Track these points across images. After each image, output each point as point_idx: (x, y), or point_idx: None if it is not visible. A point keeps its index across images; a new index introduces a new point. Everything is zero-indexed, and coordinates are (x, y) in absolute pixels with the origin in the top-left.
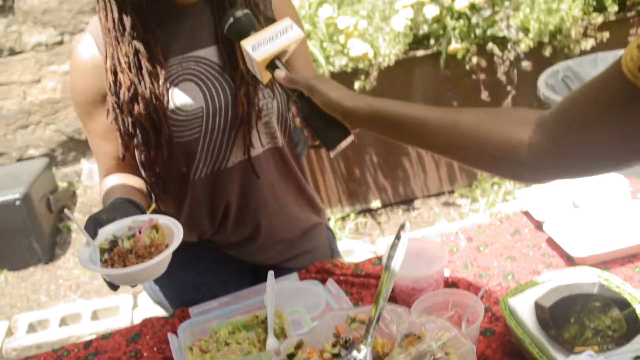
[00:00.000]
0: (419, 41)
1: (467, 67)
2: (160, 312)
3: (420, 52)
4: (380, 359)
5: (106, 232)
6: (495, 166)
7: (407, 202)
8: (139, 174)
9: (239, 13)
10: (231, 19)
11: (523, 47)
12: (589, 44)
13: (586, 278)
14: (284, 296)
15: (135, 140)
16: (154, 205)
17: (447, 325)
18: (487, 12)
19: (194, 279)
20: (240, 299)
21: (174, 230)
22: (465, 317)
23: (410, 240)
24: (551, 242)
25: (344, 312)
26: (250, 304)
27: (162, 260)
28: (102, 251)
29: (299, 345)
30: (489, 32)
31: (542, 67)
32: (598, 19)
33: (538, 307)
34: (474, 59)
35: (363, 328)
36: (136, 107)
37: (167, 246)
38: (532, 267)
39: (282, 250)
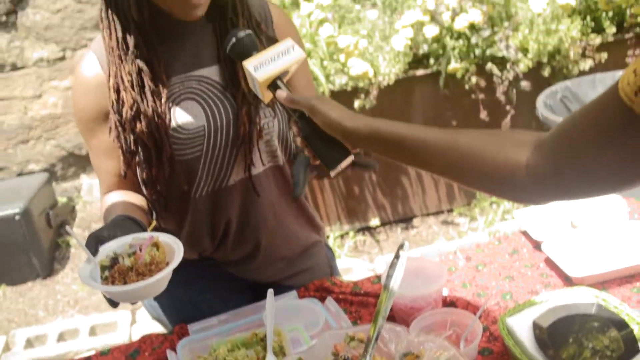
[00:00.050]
0: (418, 60)
1: (467, 86)
2: (158, 328)
3: (420, 72)
4: None
5: (107, 249)
6: (493, 187)
7: (406, 220)
8: (140, 191)
9: (242, 33)
10: (233, 39)
11: (522, 67)
12: (587, 64)
13: (584, 298)
14: (283, 314)
15: (137, 158)
16: (154, 223)
17: (446, 345)
18: (486, 33)
19: (194, 296)
20: (240, 316)
21: (175, 248)
22: (464, 336)
23: (409, 259)
24: (549, 262)
25: (342, 330)
26: (249, 322)
27: (162, 278)
28: (103, 268)
29: None
30: (488, 52)
31: (541, 87)
32: (596, 40)
33: (536, 327)
34: (473, 79)
35: (362, 347)
36: (138, 125)
37: (167, 264)
38: (530, 287)
39: (281, 268)
